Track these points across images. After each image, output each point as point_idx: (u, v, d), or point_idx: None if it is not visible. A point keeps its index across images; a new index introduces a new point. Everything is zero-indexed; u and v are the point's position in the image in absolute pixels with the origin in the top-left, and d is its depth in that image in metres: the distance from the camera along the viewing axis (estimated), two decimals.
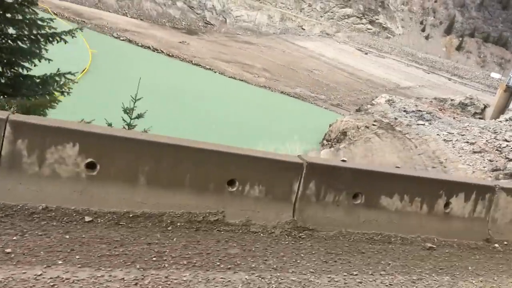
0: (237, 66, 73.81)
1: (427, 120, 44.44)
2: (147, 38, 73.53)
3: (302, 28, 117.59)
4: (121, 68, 51.32)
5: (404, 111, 47.28)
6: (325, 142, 47.74)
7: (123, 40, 69.42)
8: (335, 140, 46.55)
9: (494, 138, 37.72)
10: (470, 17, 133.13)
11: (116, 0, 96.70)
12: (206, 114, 45.09)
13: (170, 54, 68.72)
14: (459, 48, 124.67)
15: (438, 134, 40.41)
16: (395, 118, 45.56)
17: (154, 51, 68.40)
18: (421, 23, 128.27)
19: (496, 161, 32.32)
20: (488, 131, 40.35)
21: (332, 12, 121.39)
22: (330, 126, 48.22)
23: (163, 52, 68.61)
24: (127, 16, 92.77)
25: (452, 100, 54.59)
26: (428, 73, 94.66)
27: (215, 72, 66.93)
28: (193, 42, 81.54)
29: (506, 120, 43.40)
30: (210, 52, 77.28)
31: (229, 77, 66.75)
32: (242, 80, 67.38)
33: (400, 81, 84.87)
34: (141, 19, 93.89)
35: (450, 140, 38.38)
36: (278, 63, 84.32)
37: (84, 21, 72.93)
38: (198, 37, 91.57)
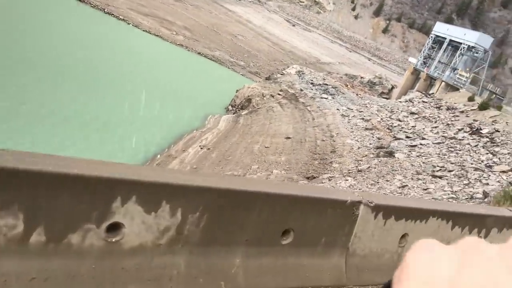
0: (155, 21, 69.96)
1: (331, 95, 44.32)
2: None
3: None
4: (14, 11, 46.40)
5: (311, 83, 46.88)
6: (230, 107, 46.41)
7: None
8: (239, 106, 45.33)
9: (389, 117, 38.17)
10: (399, 2, 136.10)
11: None
12: (104, 66, 41.86)
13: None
14: (385, 31, 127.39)
15: (338, 109, 40.35)
16: (301, 90, 45.04)
17: None
18: (352, 2, 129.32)
19: (384, 139, 32.54)
20: (386, 110, 40.84)
21: None
22: (236, 92, 46.84)
23: None
24: None
25: (362, 77, 54.99)
26: (350, 52, 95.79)
27: (129, 23, 62.86)
28: None
29: (406, 101, 44.19)
30: (128, 2, 72.52)
31: (143, 30, 63.01)
32: (157, 36, 63.91)
33: (321, 56, 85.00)
34: None
35: (347, 116, 38.41)
36: (202, 23, 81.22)
37: None
38: None
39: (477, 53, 52.77)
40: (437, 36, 58.03)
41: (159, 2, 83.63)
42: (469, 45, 51.80)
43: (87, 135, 26.86)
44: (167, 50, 59.22)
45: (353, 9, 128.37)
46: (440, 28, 58.49)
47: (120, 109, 34.41)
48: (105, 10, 63.44)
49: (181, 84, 47.52)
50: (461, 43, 52.79)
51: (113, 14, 63.18)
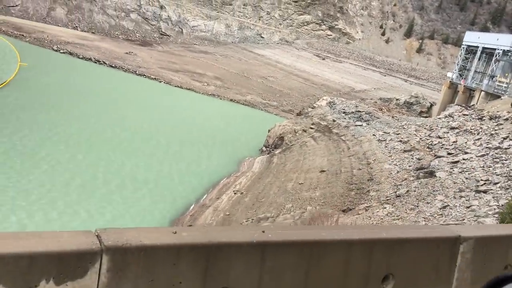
0: (186, 75, 71.78)
1: (366, 121, 42.96)
2: (91, 50, 71.05)
3: (261, 36, 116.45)
4: (51, 80, 48.84)
5: (344, 112, 45.74)
6: (264, 148, 45.86)
7: (63, 53, 66.81)
8: (272, 146, 44.71)
9: (428, 136, 36.34)
10: (429, 20, 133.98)
11: (66, 13, 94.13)
12: (140, 122, 42.76)
13: (113, 65, 66.36)
14: (419, 50, 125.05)
15: (374, 135, 38.89)
16: (333, 120, 43.99)
17: (96, 62, 65.95)
18: (381, 27, 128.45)
19: (424, 159, 30.75)
20: (425, 128, 38.98)
21: (291, 20, 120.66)
22: (268, 132, 46.36)
23: (105, 63, 66.20)
24: (77, 30, 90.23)
25: (397, 99, 53.26)
26: (385, 76, 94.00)
27: (160, 81, 64.74)
28: (141, 53, 79.32)
29: (445, 117, 42.08)
30: (158, 62, 75.12)
31: (175, 86, 64.63)
32: (189, 89, 65.31)
33: (355, 85, 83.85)
34: (92, 32, 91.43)
35: (384, 140, 36.88)
36: (232, 71, 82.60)
37: (23, 35, 70.20)
38: (151, 48, 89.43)
39: None
40: (468, 46, 55.88)
41: (189, 57, 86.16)
42: (504, 50, 49.34)
43: (124, 196, 27.07)
44: (199, 101, 60.19)
45: (383, 34, 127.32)
46: (471, 38, 56.37)
47: (157, 165, 34.65)
48: (137, 72, 65.83)
49: (215, 132, 47.68)
50: (495, 49, 50.40)
51: (144, 75, 65.39)
